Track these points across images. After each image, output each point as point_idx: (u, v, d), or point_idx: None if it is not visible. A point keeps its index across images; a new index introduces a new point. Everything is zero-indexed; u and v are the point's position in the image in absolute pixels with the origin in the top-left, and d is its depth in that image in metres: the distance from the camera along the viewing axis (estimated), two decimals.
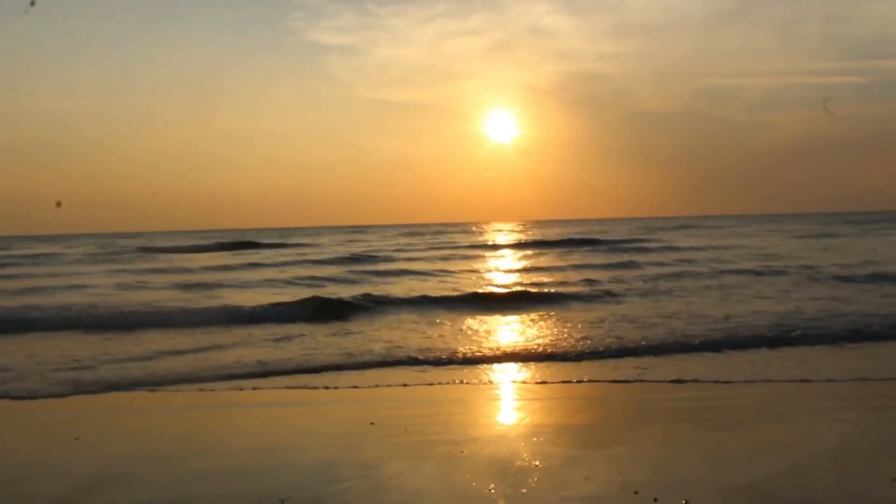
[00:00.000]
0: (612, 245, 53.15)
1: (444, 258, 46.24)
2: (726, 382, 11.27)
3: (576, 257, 43.15)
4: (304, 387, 11.69)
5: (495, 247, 58.99)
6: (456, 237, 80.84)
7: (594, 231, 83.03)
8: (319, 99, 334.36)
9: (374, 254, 49.32)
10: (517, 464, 7.63)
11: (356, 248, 57.90)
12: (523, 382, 11.84)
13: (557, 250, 51.40)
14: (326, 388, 11.58)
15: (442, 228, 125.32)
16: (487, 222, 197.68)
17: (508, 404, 10.42)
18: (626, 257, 40.01)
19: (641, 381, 11.59)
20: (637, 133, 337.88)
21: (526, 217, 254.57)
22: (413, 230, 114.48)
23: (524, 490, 6.87)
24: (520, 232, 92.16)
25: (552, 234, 78.11)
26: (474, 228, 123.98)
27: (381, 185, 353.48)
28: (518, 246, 58.66)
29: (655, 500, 6.51)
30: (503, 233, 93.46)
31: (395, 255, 48.69)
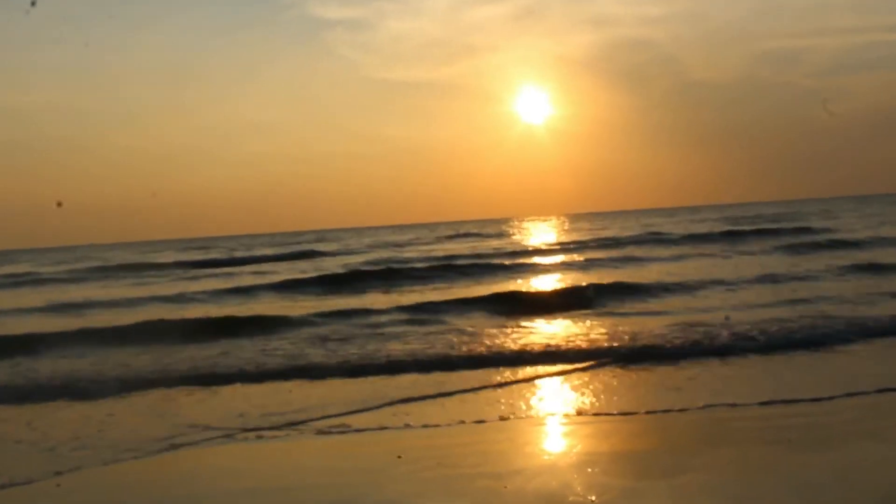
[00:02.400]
0: (797, 235, 41.05)
1: (615, 262, 34.08)
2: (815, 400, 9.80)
3: (805, 256, 31.75)
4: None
5: (639, 242, 44.62)
6: (528, 235, 68.75)
7: (660, 224, 69.74)
8: (322, 81, 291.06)
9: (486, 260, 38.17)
10: (570, 499, 6.43)
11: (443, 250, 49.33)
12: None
13: (747, 243, 39.61)
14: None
15: (493, 226, 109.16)
16: (526, 217, 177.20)
17: (555, 430, 9.17)
18: (856, 255, 29.98)
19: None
20: (688, 108, 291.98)
21: (566, 210, 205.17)
22: (452, 228, 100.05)
23: None
24: (602, 228, 74.30)
25: (664, 224, 65.46)
26: (530, 224, 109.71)
27: (396, 180, 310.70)
28: (664, 242, 43.72)
29: None
30: (592, 228, 77.02)
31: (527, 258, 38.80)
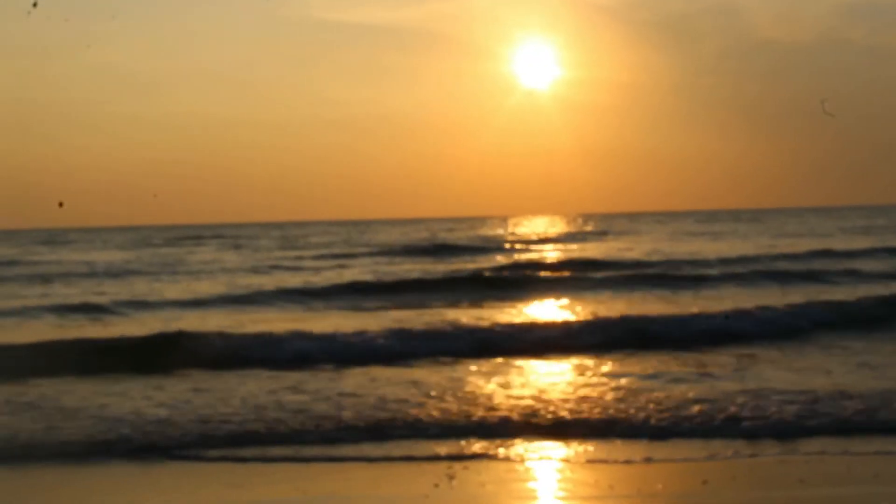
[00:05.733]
0: None
1: None
2: None
3: None
4: None
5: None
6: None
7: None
8: (251, 22, 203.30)
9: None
10: None
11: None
12: None
13: None
14: None
15: (491, 225, 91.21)
16: (522, 216, 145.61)
17: None
18: None
19: None
20: (752, 76, 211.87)
21: (578, 208, 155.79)
22: (426, 227, 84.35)
23: None
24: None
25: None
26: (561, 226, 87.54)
27: (341, 160, 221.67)
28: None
29: None
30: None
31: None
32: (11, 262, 42.72)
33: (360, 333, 17.51)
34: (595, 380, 13.45)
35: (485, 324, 19.01)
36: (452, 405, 11.74)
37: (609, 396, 12.06)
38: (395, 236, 67.22)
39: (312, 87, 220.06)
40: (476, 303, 24.47)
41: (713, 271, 30.87)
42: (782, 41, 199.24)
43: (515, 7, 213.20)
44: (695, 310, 20.42)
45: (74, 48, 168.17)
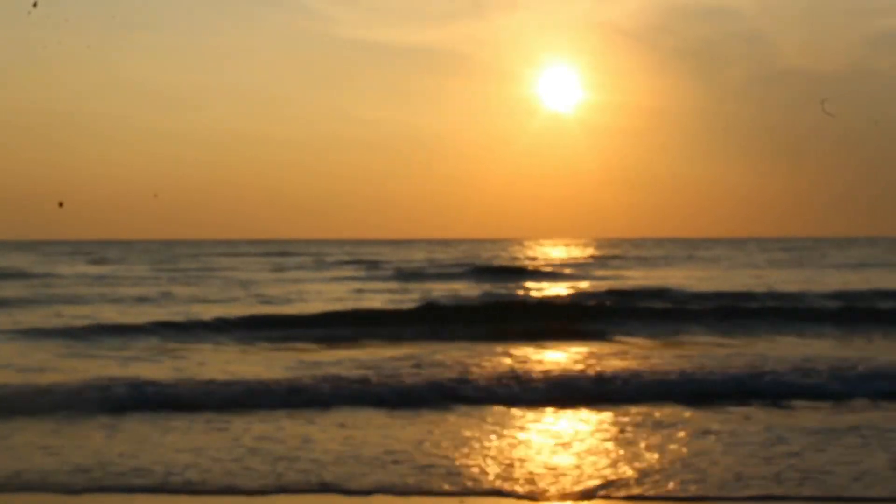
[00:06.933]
0: None
1: None
2: None
3: None
4: None
5: None
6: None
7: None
8: (283, 41, 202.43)
9: None
10: None
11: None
12: None
13: None
14: None
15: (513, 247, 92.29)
16: (545, 238, 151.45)
17: None
18: None
19: None
20: (777, 104, 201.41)
21: (598, 232, 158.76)
22: (450, 249, 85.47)
23: None
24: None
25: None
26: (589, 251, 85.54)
27: (363, 178, 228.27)
28: None
29: None
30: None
31: None
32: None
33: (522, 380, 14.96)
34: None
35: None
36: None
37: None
38: (447, 257, 67.35)
39: (337, 106, 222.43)
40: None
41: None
42: (808, 70, 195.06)
43: (541, 30, 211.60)
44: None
45: (102, 61, 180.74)
